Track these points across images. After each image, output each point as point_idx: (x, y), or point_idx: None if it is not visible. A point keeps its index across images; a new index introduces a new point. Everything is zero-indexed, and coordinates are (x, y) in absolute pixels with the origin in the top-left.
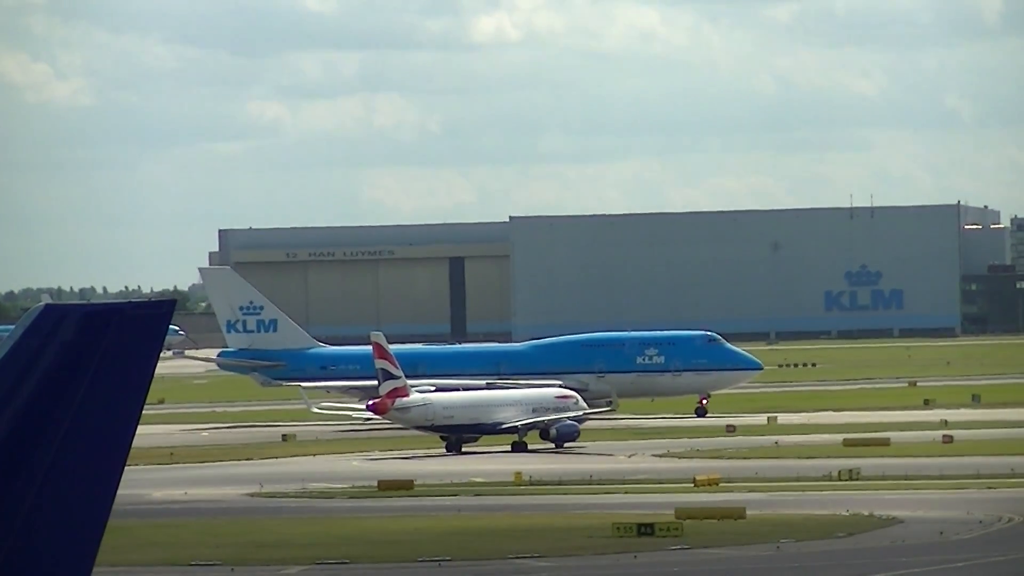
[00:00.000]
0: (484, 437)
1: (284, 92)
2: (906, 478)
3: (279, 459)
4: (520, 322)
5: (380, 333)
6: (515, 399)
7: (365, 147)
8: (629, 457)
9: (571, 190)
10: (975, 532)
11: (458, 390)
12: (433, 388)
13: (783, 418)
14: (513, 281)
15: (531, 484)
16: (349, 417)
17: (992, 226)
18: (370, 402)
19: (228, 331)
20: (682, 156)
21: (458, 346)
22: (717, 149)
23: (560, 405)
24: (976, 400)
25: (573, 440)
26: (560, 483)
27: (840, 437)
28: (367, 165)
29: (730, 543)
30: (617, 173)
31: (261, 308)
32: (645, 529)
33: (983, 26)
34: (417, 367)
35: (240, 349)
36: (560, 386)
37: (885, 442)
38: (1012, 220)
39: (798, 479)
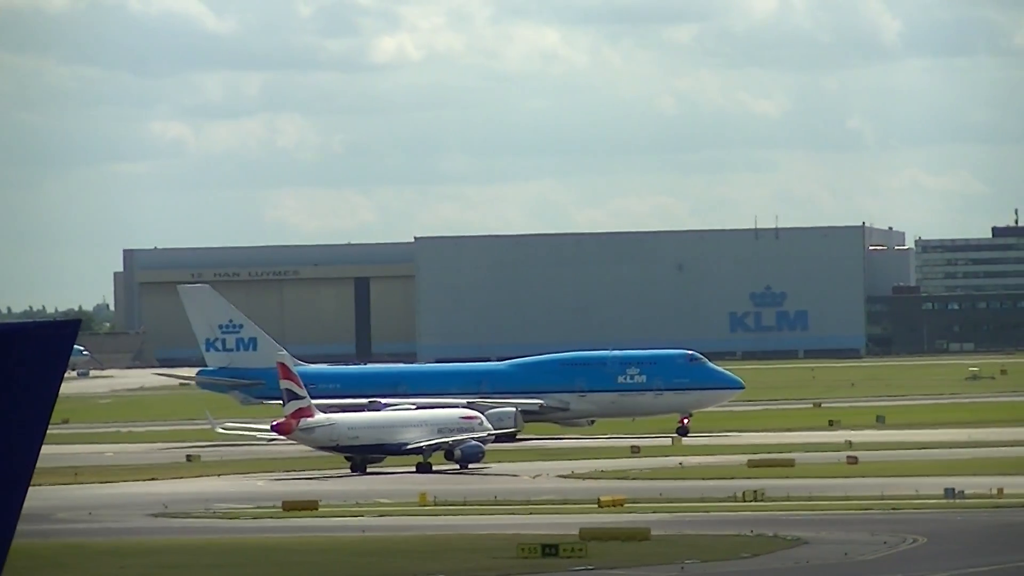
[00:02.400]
0: (389, 458)
1: (186, 112)
2: (811, 499)
3: (184, 479)
4: (425, 342)
5: (285, 353)
6: (420, 420)
7: (267, 167)
8: (534, 478)
9: (474, 210)
10: (880, 553)
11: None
12: (414, 407)
13: (687, 439)
14: (418, 301)
15: (436, 504)
16: (254, 437)
17: (897, 247)
18: (274, 422)
19: (207, 349)
20: (585, 177)
21: (440, 365)
22: (620, 170)
23: (465, 426)
24: (881, 421)
25: (478, 461)
26: (465, 504)
27: (745, 458)
28: (270, 185)
29: (635, 564)
30: (520, 193)
31: (240, 327)
32: (550, 550)
33: (884, 47)
34: (398, 386)
35: (219, 368)
36: (465, 406)
37: (790, 463)
38: (917, 241)
39: (703, 500)
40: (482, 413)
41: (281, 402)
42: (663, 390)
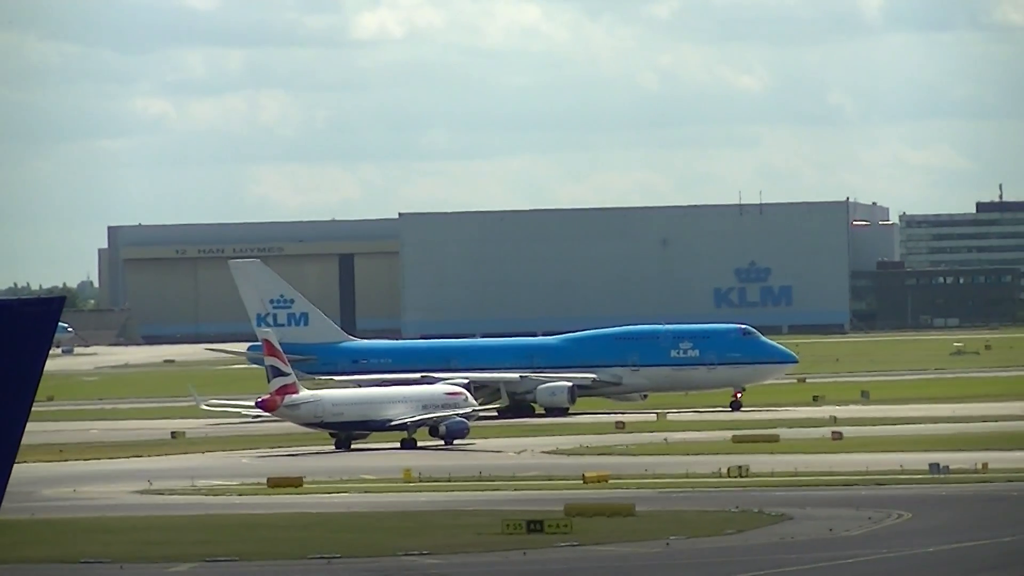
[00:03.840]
0: (374, 434)
1: (169, 89)
2: (795, 475)
3: (169, 456)
4: (410, 318)
5: (270, 330)
6: (405, 396)
7: (250, 144)
8: (518, 454)
9: (457, 186)
10: (864, 529)
11: (495, 384)
12: (467, 381)
13: (673, 415)
14: (402, 277)
15: (421, 481)
16: (239, 414)
17: (881, 223)
18: (260, 399)
19: (258, 324)
20: (568, 152)
21: (492, 340)
22: (603, 145)
23: (450, 402)
24: (865, 396)
25: (463, 437)
26: (450, 480)
27: (729, 434)
28: (253, 162)
29: (619, 540)
30: (503, 169)
31: (292, 301)
32: (534, 526)
33: (866, 22)
34: (450, 361)
35: None
36: (453, 383)
37: (774, 439)
38: (901, 217)
39: (687, 476)
40: (534, 388)
41: (328, 376)
42: (716, 364)
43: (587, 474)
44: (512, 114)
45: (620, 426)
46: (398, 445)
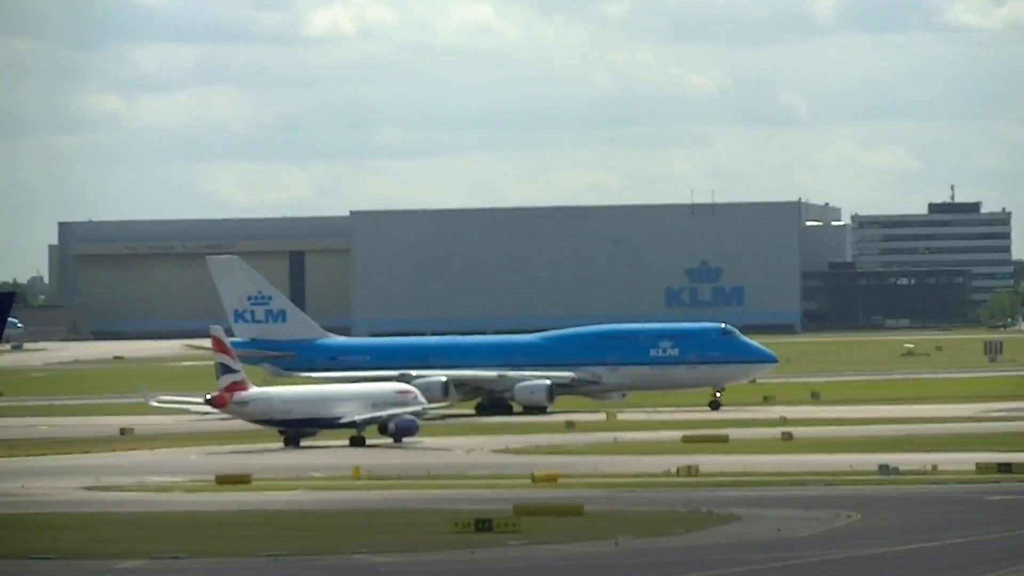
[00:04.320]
0: (323, 431)
1: (120, 85)
2: (745, 475)
3: (117, 452)
4: (361, 316)
5: (219, 327)
6: (354, 393)
7: (202, 140)
8: (467, 452)
9: (409, 185)
10: (813, 529)
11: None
12: (444, 379)
13: (622, 415)
14: (353, 276)
15: (369, 479)
16: (188, 411)
17: (833, 223)
18: (209, 396)
19: (235, 321)
20: (519, 151)
21: (471, 338)
22: (554, 144)
23: (399, 400)
24: (815, 397)
25: (412, 435)
26: (398, 478)
27: (679, 434)
28: (204, 159)
29: (568, 539)
30: (455, 168)
31: (270, 298)
32: (483, 525)
33: (818, 23)
34: (429, 358)
35: (248, 339)
36: (403, 382)
37: (724, 439)
38: (853, 217)
39: (637, 475)
40: (513, 386)
41: (306, 373)
42: (696, 363)
43: (536, 473)
44: (464, 112)
45: (570, 426)
46: (347, 443)
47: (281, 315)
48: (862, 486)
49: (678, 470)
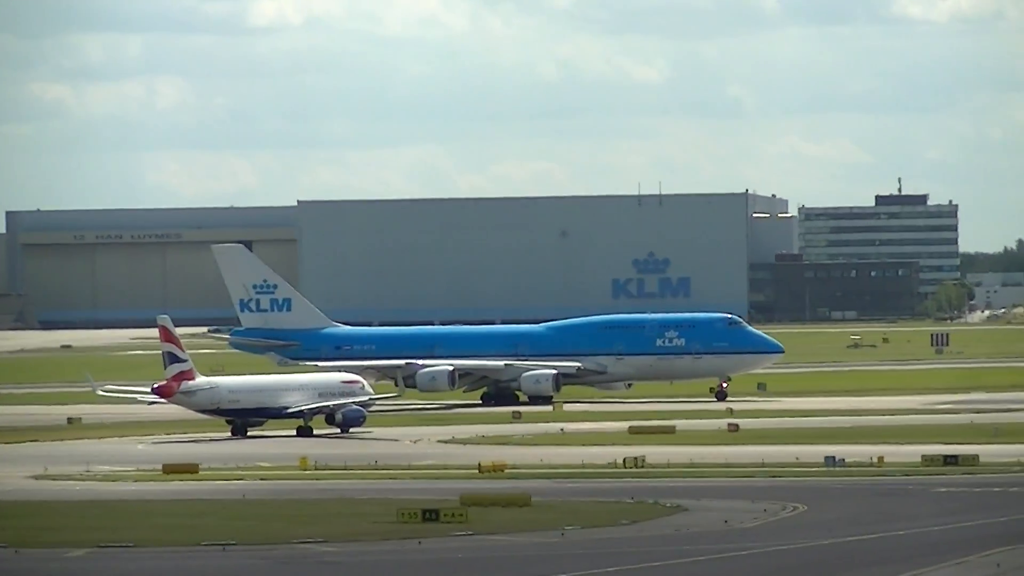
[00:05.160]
0: (270, 421)
1: (66, 74)
2: (691, 466)
3: (64, 441)
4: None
5: (167, 317)
6: (301, 384)
7: (148, 130)
8: (414, 443)
9: (355, 175)
10: (760, 521)
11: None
12: (451, 368)
13: (569, 405)
14: (301, 266)
15: (316, 469)
16: (135, 400)
17: (780, 215)
18: (155, 385)
19: (241, 310)
20: (466, 142)
21: (476, 327)
22: (501, 135)
23: (346, 390)
24: (762, 389)
25: (359, 425)
26: (345, 468)
27: (626, 425)
28: (151, 148)
29: (515, 530)
30: (401, 158)
31: (275, 287)
32: (430, 515)
33: (765, 15)
34: (434, 347)
35: (253, 328)
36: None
37: (671, 430)
38: (800, 209)
39: (583, 466)
40: (520, 376)
41: (314, 362)
42: (702, 353)
43: (483, 464)
44: (411, 103)
45: (517, 416)
46: (294, 433)
47: (286, 304)
48: (808, 478)
49: (624, 461)
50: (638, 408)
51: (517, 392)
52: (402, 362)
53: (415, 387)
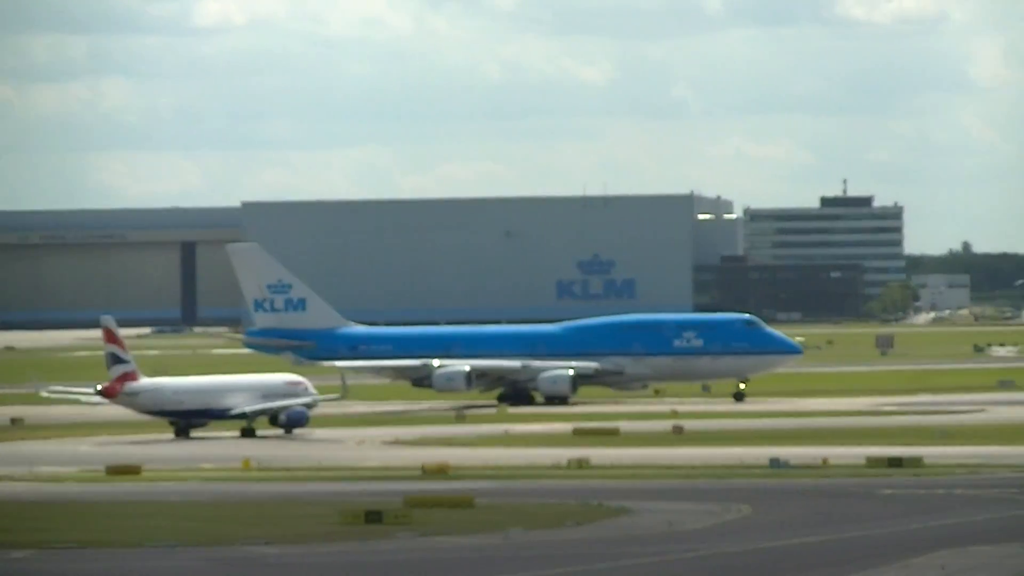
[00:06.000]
0: (213, 422)
1: (10, 74)
2: (636, 468)
3: (7, 442)
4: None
5: (110, 318)
6: (245, 385)
7: (93, 131)
8: (358, 444)
9: (301, 176)
10: (704, 523)
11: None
12: (468, 368)
13: (513, 408)
14: None
15: (260, 470)
16: (78, 401)
17: (725, 216)
18: (99, 386)
19: (256, 310)
20: (410, 143)
21: (493, 327)
22: (446, 136)
23: (290, 391)
24: (706, 390)
25: (303, 426)
26: (289, 469)
27: (570, 426)
28: (95, 149)
29: (458, 531)
30: (347, 159)
31: (290, 286)
32: (373, 516)
33: (709, 16)
34: (451, 348)
35: (268, 328)
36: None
37: (615, 432)
38: (745, 211)
39: (528, 468)
40: (537, 376)
41: (331, 362)
42: (720, 354)
43: (427, 465)
44: (355, 104)
45: (461, 417)
46: (238, 434)
47: (301, 304)
48: (753, 479)
49: (568, 463)
50: (582, 410)
51: (534, 392)
52: (418, 362)
53: (431, 387)
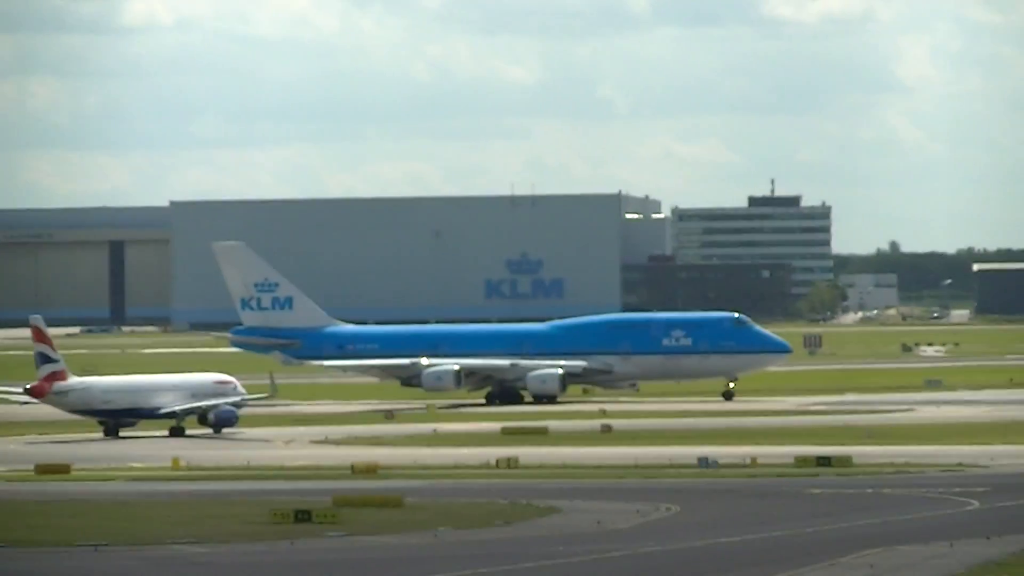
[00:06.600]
0: (142, 422)
1: None
2: (565, 467)
3: None
4: (180, 307)
5: (39, 317)
6: (174, 384)
7: (20, 130)
8: (287, 444)
9: (227, 175)
10: (633, 522)
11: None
12: (457, 367)
13: (503, 406)
14: (173, 266)
15: (189, 469)
16: (7, 400)
17: (653, 216)
18: (28, 385)
19: (242, 308)
20: (337, 142)
21: (481, 326)
22: (372, 136)
23: (219, 390)
24: (635, 388)
25: (231, 426)
26: (218, 469)
27: (499, 426)
28: (22, 148)
29: (388, 531)
30: (274, 158)
31: (276, 285)
32: (302, 516)
33: (636, 16)
34: (439, 347)
35: (254, 327)
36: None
37: (543, 431)
38: (673, 210)
39: (456, 467)
40: (525, 375)
41: (318, 361)
42: (709, 353)
43: (356, 464)
44: (283, 103)
45: (390, 416)
46: (167, 433)
47: (288, 302)
48: (682, 478)
49: (497, 462)
50: (510, 409)
51: (522, 391)
52: (407, 361)
53: (420, 386)
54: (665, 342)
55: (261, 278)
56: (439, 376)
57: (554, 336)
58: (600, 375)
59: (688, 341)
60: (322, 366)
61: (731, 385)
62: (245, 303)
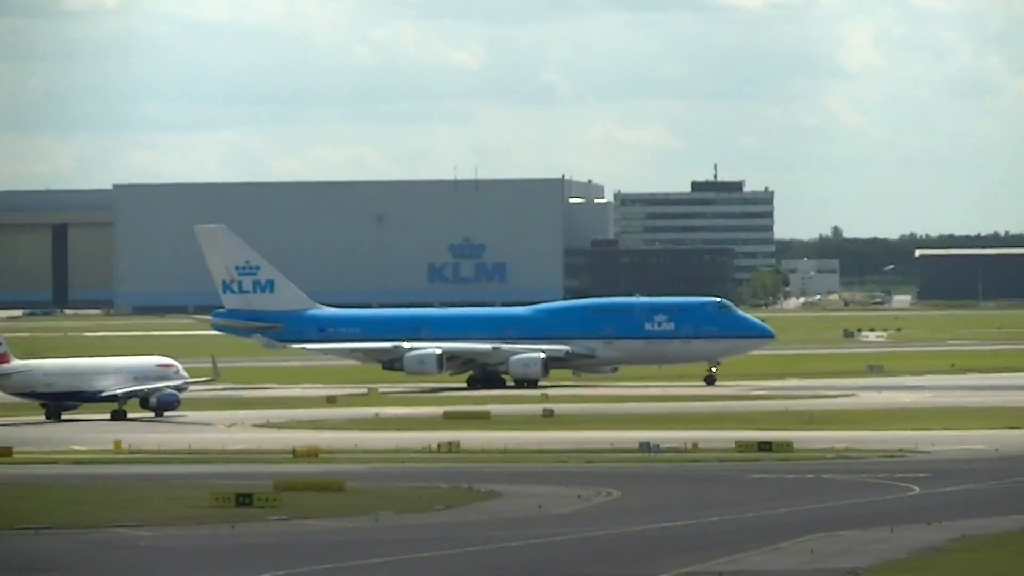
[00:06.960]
0: (84, 405)
1: None
2: (506, 452)
3: None
4: (123, 290)
5: None
6: (116, 367)
7: None
8: (229, 427)
9: (171, 158)
10: (574, 506)
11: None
12: (439, 351)
13: (384, 389)
14: (116, 249)
15: (131, 453)
16: None
17: (596, 200)
18: None
19: (224, 291)
20: (281, 126)
21: (463, 310)
22: (316, 119)
23: (161, 374)
24: (576, 375)
25: (173, 409)
26: (159, 452)
27: (440, 410)
28: None
29: (329, 515)
30: (217, 142)
31: (258, 268)
32: (243, 499)
33: (580, 1)
34: (420, 330)
35: (235, 310)
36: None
37: (485, 415)
38: (616, 195)
39: (398, 451)
40: (507, 359)
41: (300, 344)
42: (691, 337)
43: (297, 448)
44: (226, 86)
45: (331, 400)
46: (109, 416)
47: (269, 285)
48: (623, 463)
49: (439, 446)
50: (453, 395)
51: (504, 375)
52: (389, 344)
53: (402, 370)
54: (648, 327)
55: (242, 261)
56: (421, 360)
57: (536, 320)
58: (583, 359)
59: (671, 326)
60: (304, 349)
61: (713, 370)
62: (226, 286)
